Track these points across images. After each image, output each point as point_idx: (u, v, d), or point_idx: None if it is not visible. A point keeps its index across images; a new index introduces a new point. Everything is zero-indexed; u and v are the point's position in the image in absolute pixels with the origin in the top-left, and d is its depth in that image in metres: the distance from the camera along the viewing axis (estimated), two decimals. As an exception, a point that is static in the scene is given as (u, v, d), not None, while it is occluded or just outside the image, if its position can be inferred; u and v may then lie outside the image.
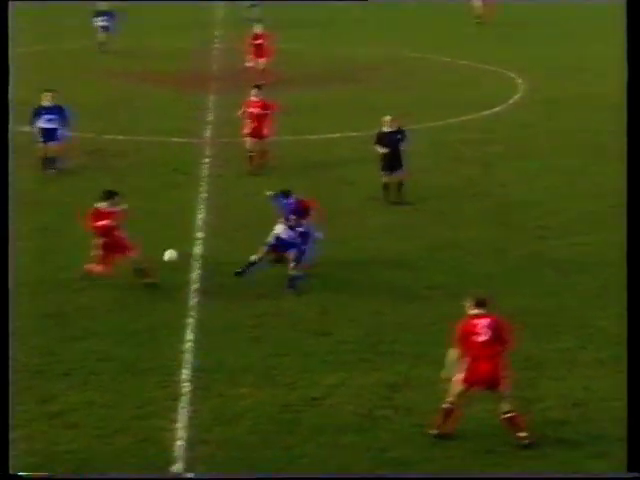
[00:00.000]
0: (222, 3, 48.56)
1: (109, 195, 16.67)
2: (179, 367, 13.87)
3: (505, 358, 12.23)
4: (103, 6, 38.10)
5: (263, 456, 11.76)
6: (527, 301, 16.16)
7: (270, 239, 16.73)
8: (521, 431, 12.07)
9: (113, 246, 16.36)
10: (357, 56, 38.23)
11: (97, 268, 16.43)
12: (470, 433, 12.31)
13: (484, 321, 12.19)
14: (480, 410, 12.59)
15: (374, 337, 14.99)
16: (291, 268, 16.56)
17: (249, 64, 33.37)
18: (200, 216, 20.22)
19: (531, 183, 22.74)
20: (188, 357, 14.21)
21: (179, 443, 11.99)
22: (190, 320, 15.35)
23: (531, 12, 46.24)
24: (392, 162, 21.31)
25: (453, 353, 12.25)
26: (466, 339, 12.14)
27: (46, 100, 22.54)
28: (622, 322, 11.88)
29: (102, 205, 16.58)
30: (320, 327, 15.30)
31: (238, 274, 16.62)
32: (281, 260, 16.98)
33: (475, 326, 12.16)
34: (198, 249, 18.25)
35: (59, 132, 22.67)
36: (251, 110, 23.07)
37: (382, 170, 21.40)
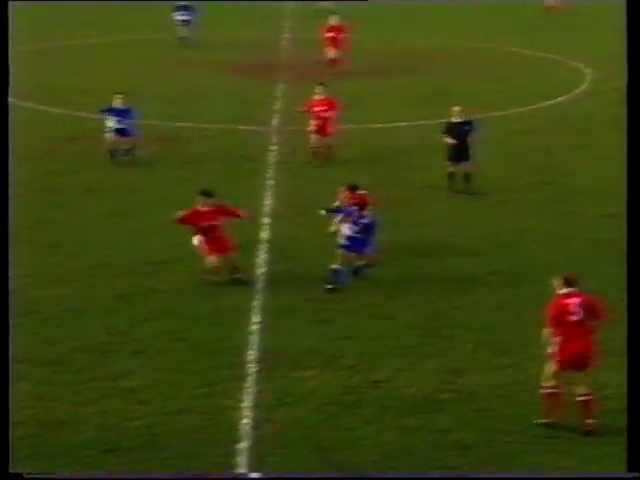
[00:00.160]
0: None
1: (206, 194, 16.33)
2: (245, 349, 14.18)
3: (597, 337, 12.11)
4: (183, 1, 38.86)
5: (326, 436, 12.00)
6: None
7: (341, 241, 16.59)
8: (590, 417, 12.00)
9: (214, 246, 16.17)
10: (421, 46, 38.27)
11: (210, 259, 16.22)
12: (534, 418, 12.38)
13: (575, 300, 12.05)
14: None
15: (436, 322, 15.18)
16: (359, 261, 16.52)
17: (330, 56, 33.58)
18: (267, 202, 20.58)
19: (595, 172, 22.67)
20: (254, 339, 14.52)
21: (245, 422, 12.28)
22: (256, 303, 15.66)
23: (600, 2, 45.74)
24: (459, 153, 21.27)
25: (546, 334, 12.13)
26: (559, 319, 11.99)
27: (117, 102, 22.96)
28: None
29: (201, 204, 16.29)
30: (383, 312, 15.52)
31: (330, 290, 16.03)
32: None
33: (567, 305, 12.01)
34: (264, 234, 18.59)
35: (129, 131, 23.08)
36: (315, 108, 23.16)
37: (448, 160, 21.45)
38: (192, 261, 17.19)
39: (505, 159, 23.77)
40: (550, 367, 12.14)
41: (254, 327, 14.92)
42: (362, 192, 17.35)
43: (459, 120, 21.44)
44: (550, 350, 12.16)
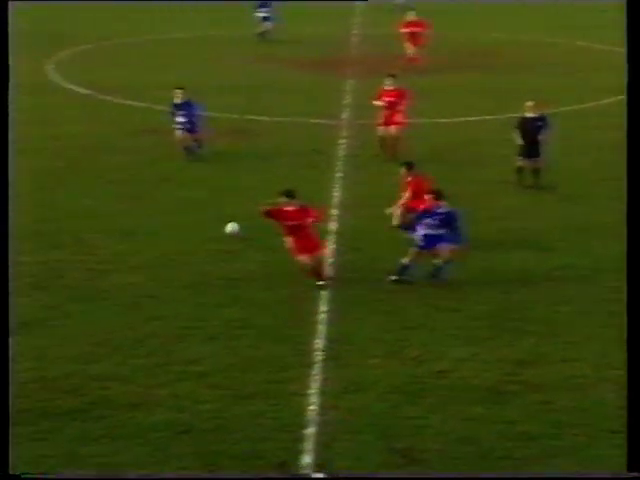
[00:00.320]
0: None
1: (289, 195, 15.99)
2: (312, 337, 14.42)
3: None
4: None
5: (391, 424, 12.17)
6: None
7: (417, 241, 16.36)
8: None
9: (302, 245, 15.98)
10: (490, 41, 38.16)
11: (301, 259, 16.04)
12: (600, 411, 12.44)
13: None
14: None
15: (502, 314, 15.26)
16: (437, 259, 16.24)
17: (409, 52, 33.71)
18: (336, 194, 20.86)
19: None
20: (322, 328, 14.76)
21: (311, 408, 12.50)
22: (324, 292, 15.90)
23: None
24: (530, 149, 21.15)
25: None
26: None
27: (177, 97, 23.26)
28: None
29: (285, 204, 15.97)
30: (449, 303, 15.66)
31: (395, 281, 16.11)
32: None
33: None
34: (333, 225, 18.87)
35: (194, 124, 23.22)
36: (385, 99, 23.27)
37: (519, 155, 21.42)
38: (262, 250, 17.58)
39: (575, 153, 23.69)
40: None
41: (321, 316, 15.17)
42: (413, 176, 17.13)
43: (532, 115, 21.34)
44: None
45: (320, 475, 11.23)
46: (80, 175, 22.41)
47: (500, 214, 19.78)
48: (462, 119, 27.13)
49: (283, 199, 15.95)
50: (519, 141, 21.36)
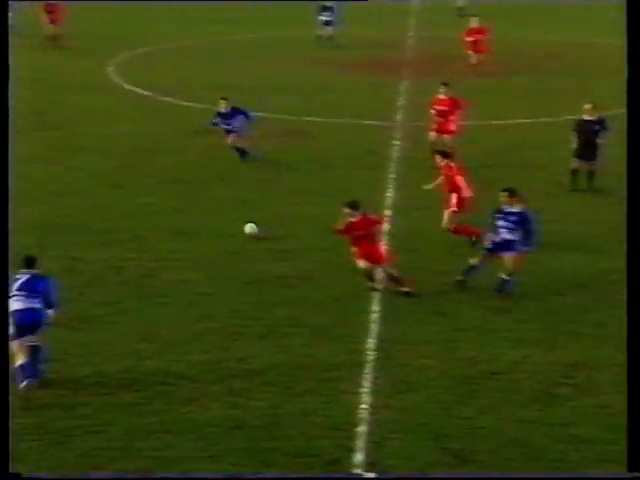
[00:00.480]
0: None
1: (353, 206, 15.77)
2: (365, 336, 14.49)
3: None
4: (328, 2, 39.58)
5: (442, 424, 12.20)
6: None
7: (487, 243, 16.16)
8: None
9: (364, 253, 15.81)
10: (546, 42, 37.90)
11: (360, 264, 15.90)
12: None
13: None
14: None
15: (555, 317, 15.22)
16: (504, 271, 15.90)
17: (472, 60, 33.52)
18: (389, 195, 20.94)
19: None
20: (374, 327, 14.83)
21: (363, 406, 12.57)
22: (376, 292, 15.97)
23: None
24: (587, 151, 20.94)
25: None
26: None
27: (222, 107, 23.22)
28: None
29: (350, 215, 15.78)
30: (502, 304, 15.64)
31: (460, 282, 16.00)
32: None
33: None
34: (386, 226, 18.95)
35: (239, 132, 23.13)
36: (438, 107, 23.11)
37: (574, 157, 21.26)
38: (317, 250, 17.69)
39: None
40: None
41: (374, 316, 15.24)
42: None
43: (590, 118, 21.16)
44: None
45: (371, 475, 11.28)
46: (136, 174, 22.71)
47: (554, 217, 19.64)
48: (514, 121, 27.01)
49: (347, 210, 15.80)
50: (575, 143, 21.22)
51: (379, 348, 14.18)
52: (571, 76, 32.61)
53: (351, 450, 11.66)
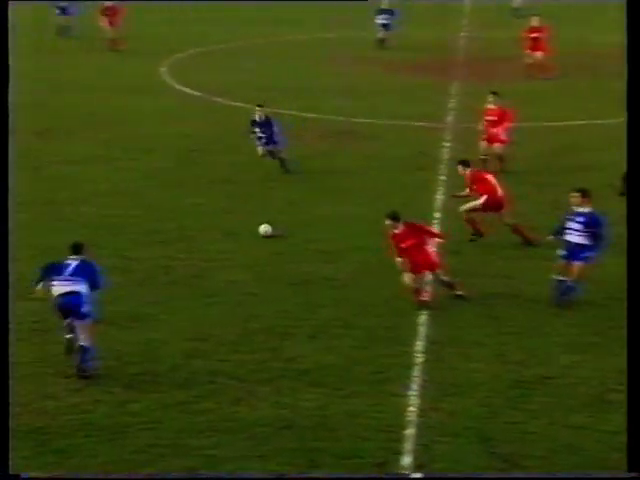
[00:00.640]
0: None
1: (394, 218, 15.50)
2: (414, 338, 14.45)
3: None
4: (385, 4, 39.55)
5: (491, 428, 12.11)
6: None
7: (560, 251, 15.69)
8: None
9: (414, 266, 15.53)
10: (598, 43, 37.52)
11: (405, 277, 15.56)
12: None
13: None
14: None
15: (608, 322, 15.01)
16: (569, 277, 15.48)
17: (528, 60, 33.23)
18: (438, 197, 20.86)
19: None
20: (423, 329, 14.78)
21: (411, 409, 12.52)
22: (425, 294, 15.88)
23: None
24: None
25: None
26: None
27: (257, 115, 22.87)
28: None
29: (393, 227, 15.53)
30: (552, 309, 15.48)
31: (560, 303, 15.41)
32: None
33: None
34: (435, 229, 18.87)
35: (275, 141, 22.62)
36: (487, 118, 22.77)
37: (629, 160, 20.99)
38: (365, 251, 17.67)
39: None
40: None
41: (423, 318, 15.18)
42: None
43: None
44: None
45: (419, 475, 11.24)
46: (186, 174, 22.86)
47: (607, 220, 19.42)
48: (570, 123, 26.75)
49: (389, 222, 15.58)
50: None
51: (428, 351, 14.12)
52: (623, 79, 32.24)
53: (399, 452, 11.62)
